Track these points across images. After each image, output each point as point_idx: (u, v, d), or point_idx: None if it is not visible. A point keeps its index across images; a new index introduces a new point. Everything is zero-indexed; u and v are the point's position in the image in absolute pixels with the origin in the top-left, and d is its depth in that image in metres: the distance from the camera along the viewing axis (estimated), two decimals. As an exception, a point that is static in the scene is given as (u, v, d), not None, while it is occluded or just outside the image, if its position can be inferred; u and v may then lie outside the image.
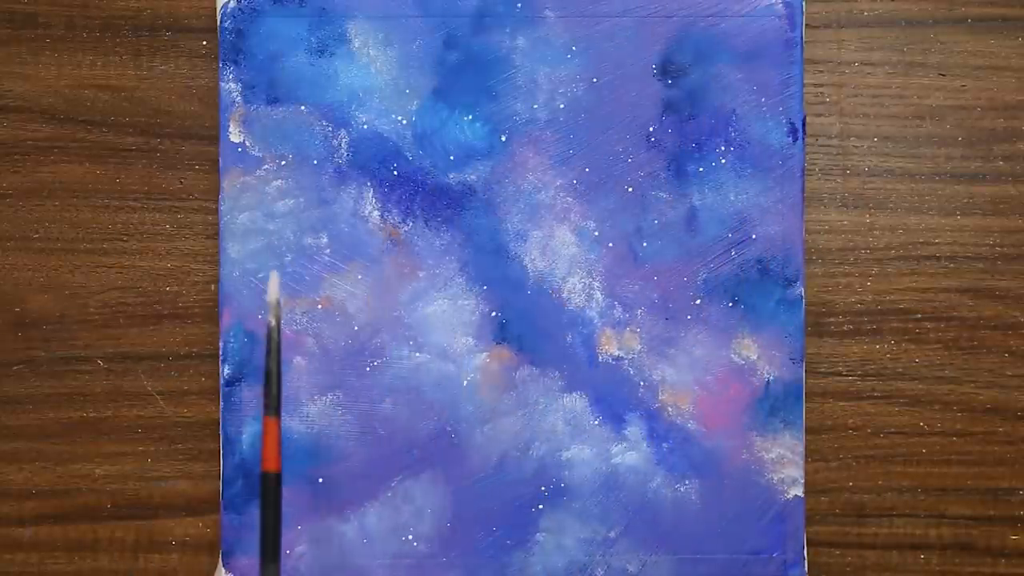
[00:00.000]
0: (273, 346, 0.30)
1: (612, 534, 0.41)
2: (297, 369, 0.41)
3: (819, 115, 0.43)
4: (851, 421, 0.43)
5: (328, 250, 0.42)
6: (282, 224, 0.42)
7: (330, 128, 0.42)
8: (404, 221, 0.42)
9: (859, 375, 0.43)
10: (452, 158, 0.42)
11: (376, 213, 0.42)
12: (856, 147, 0.43)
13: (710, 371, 0.41)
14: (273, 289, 0.30)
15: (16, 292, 0.43)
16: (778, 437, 0.41)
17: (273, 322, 0.30)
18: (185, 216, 0.43)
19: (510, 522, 0.41)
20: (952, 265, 0.43)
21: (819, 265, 0.43)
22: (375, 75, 0.42)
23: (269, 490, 0.30)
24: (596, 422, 0.41)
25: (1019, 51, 0.43)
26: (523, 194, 0.42)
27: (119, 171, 0.43)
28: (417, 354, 0.42)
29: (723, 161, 0.42)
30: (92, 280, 0.43)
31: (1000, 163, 0.43)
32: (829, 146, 0.43)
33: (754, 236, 0.41)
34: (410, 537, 0.41)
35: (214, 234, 0.43)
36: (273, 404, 0.30)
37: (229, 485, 0.41)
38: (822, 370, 0.43)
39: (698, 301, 0.41)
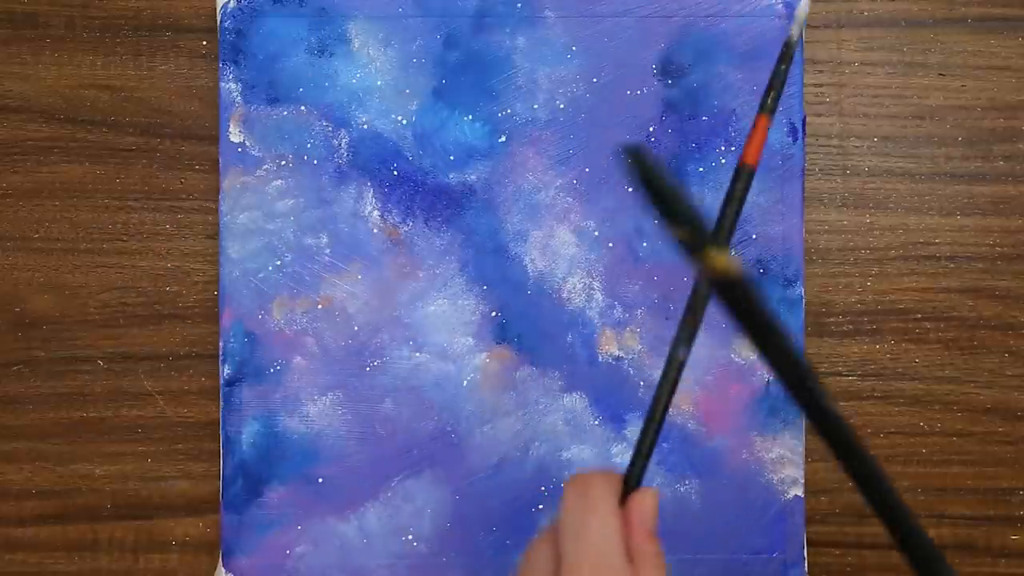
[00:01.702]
0: (789, 56, 0.32)
1: (612, 534, 0.41)
2: (297, 369, 0.41)
3: (819, 115, 0.43)
4: (851, 421, 0.43)
5: (328, 250, 0.42)
6: (282, 224, 0.42)
7: (330, 128, 0.42)
8: (404, 221, 0.42)
9: (859, 375, 0.43)
10: (452, 158, 0.42)
11: (376, 213, 0.42)
12: (856, 147, 0.43)
13: (710, 371, 0.41)
14: (804, 7, 0.33)
15: (16, 292, 0.43)
16: (778, 437, 0.41)
17: (795, 34, 0.32)
18: (185, 216, 0.43)
19: (510, 522, 0.41)
20: (952, 265, 0.43)
21: (819, 265, 0.43)
22: (375, 75, 0.42)
23: (743, 182, 0.31)
24: (596, 422, 0.41)
25: (1019, 51, 0.43)
26: (523, 194, 0.42)
27: (119, 171, 0.43)
28: (417, 354, 0.42)
29: (723, 161, 0.42)
30: (92, 280, 0.43)
31: (1000, 163, 0.43)
32: (829, 146, 0.43)
33: (754, 236, 0.41)
34: (410, 537, 0.41)
35: (214, 234, 0.43)
36: (770, 105, 0.31)
37: (229, 485, 0.41)
38: (822, 370, 0.43)
39: (698, 301, 0.41)
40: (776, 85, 0.31)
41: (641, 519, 0.30)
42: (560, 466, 0.41)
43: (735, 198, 0.31)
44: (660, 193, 0.25)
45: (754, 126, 0.31)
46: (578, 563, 0.28)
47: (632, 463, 0.31)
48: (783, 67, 0.32)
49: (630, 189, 0.42)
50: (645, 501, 0.30)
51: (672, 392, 0.31)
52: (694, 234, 0.26)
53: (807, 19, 0.42)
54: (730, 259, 0.26)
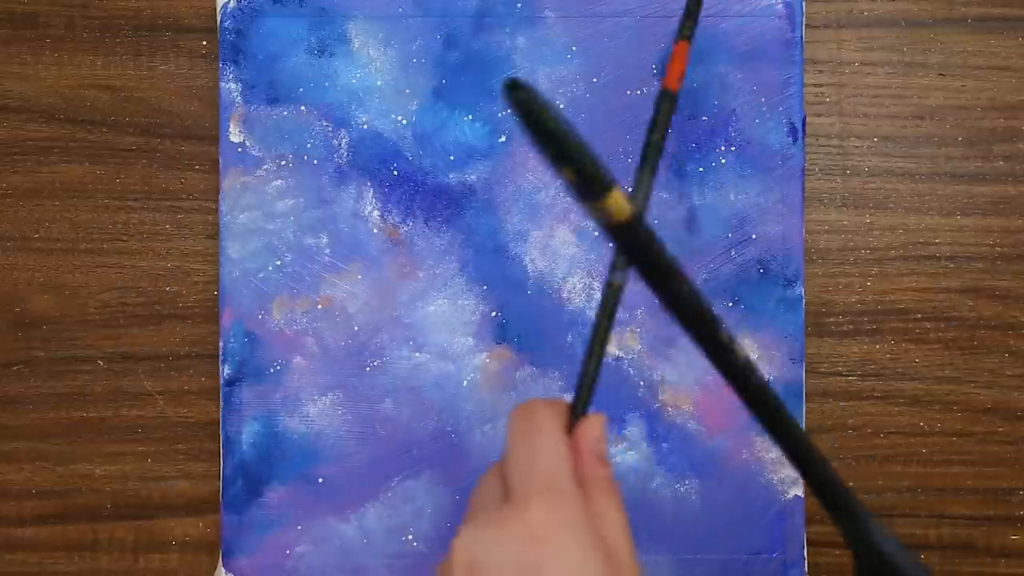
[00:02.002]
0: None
1: (612, 534, 0.41)
2: (297, 369, 0.41)
3: (819, 115, 0.43)
4: (851, 421, 0.43)
5: (328, 250, 0.42)
6: (282, 224, 0.42)
7: (330, 128, 0.42)
8: (404, 221, 0.42)
9: (859, 375, 0.43)
10: (452, 158, 0.42)
11: (376, 213, 0.42)
12: (856, 147, 0.43)
13: (710, 371, 0.41)
14: None
15: (16, 292, 0.43)
16: (778, 437, 0.41)
17: None
18: (185, 216, 0.43)
19: (510, 522, 0.41)
20: (952, 265, 0.43)
21: (819, 265, 0.43)
22: (375, 75, 0.42)
23: (665, 107, 0.31)
24: (596, 422, 0.41)
25: (1019, 51, 0.43)
26: (523, 194, 0.42)
27: (119, 171, 0.43)
28: (417, 354, 0.42)
29: (723, 161, 0.42)
30: (92, 280, 0.43)
31: (1000, 163, 0.43)
32: (829, 146, 0.43)
33: (754, 236, 0.41)
34: (410, 537, 0.41)
35: (214, 234, 0.43)
36: (687, 33, 0.32)
37: (229, 485, 0.41)
38: (822, 370, 0.43)
39: (698, 301, 0.41)
40: (693, 10, 0.32)
41: (589, 444, 0.29)
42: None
43: (658, 124, 0.31)
44: (549, 132, 0.24)
45: (672, 53, 0.31)
46: (525, 491, 0.27)
47: (577, 392, 0.30)
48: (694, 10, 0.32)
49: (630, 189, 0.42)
50: (592, 426, 0.29)
51: (610, 318, 0.30)
52: (586, 176, 0.25)
53: (807, 19, 0.43)
54: (625, 202, 0.26)
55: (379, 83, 0.42)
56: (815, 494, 0.31)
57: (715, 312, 0.28)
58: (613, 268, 0.30)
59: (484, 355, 0.42)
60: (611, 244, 0.29)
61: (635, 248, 0.26)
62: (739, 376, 0.29)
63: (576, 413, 0.30)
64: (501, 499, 0.28)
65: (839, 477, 0.31)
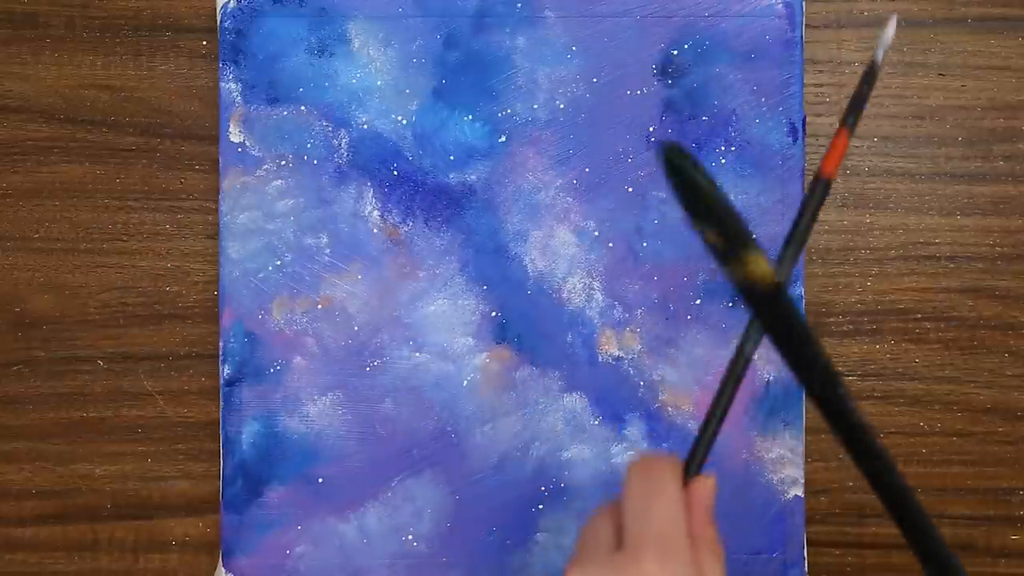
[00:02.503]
0: (875, 76, 0.30)
1: (612, 534, 0.41)
2: (297, 369, 0.41)
3: (819, 115, 0.43)
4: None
5: (328, 250, 0.42)
6: (282, 224, 0.42)
7: (330, 128, 0.42)
8: (404, 221, 0.42)
9: (859, 375, 0.43)
10: (452, 158, 0.42)
11: (376, 213, 0.42)
12: (856, 147, 0.43)
13: (710, 371, 0.41)
14: (891, 30, 0.31)
15: (16, 292, 0.43)
16: (778, 437, 0.41)
17: (879, 58, 0.30)
18: (185, 216, 0.43)
19: (510, 522, 0.41)
20: (952, 265, 0.43)
21: (819, 265, 0.43)
22: (375, 75, 0.42)
23: (819, 192, 0.30)
24: (596, 422, 0.41)
25: (1019, 51, 0.43)
26: (523, 194, 0.42)
27: (119, 171, 0.43)
28: (417, 354, 0.42)
29: (723, 161, 0.42)
30: (92, 280, 0.43)
31: (1000, 163, 0.43)
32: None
33: (754, 236, 0.41)
34: (410, 537, 0.41)
35: (214, 234, 0.43)
36: (852, 120, 0.30)
37: (229, 485, 0.41)
38: (822, 370, 0.43)
39: (698, 301, 0.41)
40: (857, 106, 0.31)
41: (702, 503, 0.30)
42: (560, 466, 0.41)
43: (809, 206, 0.30)
44: (697, 192, 0.25)
45: (835, 138, 0.30)
46: (643, 542, 0.28)
47: (694, 450, 0.31)
48: (866, 88, 0.31)
49: (630, 189, 0.42)
50: (706, 487, 0.30)
51: (736, 384, 0.31)
52: (730, 236, 0.25)
53: (807, 19, 0.42)
54: (768, 265, 0.26)
55: (379, 83, 0.42)
56: (922, 561, 0.31)
57: (843, 382, 0.28)
58: (747, 336, 0.30)
59: (484, 355, 0.42)
60: (747, 311, 0.29)
61: (773, 316, 0.26)
62: (860, 443, 0.29)
63: (691, 471, 0.31)
64: (613, 546, 0.29)
65: (943, 544, 0.31)
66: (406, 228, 0.42)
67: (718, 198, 0.25)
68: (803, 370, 0.28)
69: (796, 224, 0.30)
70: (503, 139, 0.42)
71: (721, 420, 0.31)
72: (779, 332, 0.27)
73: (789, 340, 0.27)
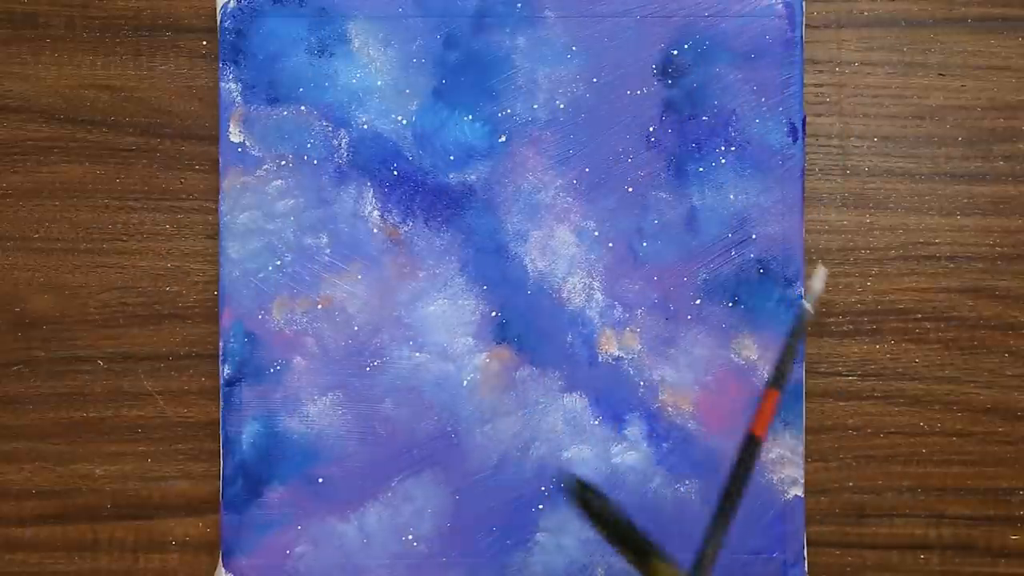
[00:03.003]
0: (802, 329, 0.30)
1: (612, 534, 0.41)
2: (297, 369, 0.41)
3: (819, 115, 0.43)
4: (851, 421, 0.43)
5: (328, 250, 0.42)
6: (282, 224, 0.42)
7: (330, 128, 0.42)
8: (404, 221, 0.42)
9: (859, 375, 0.43)
10: (452, 158, 0.42)
11: (376, 213, 0.42)
12: (856, 147, 0.43)
13: (710, 371, 0.41)
14: (819, 281, 0.31)
15: (16, 292, 0.43)
16: (778, 437, 0.41)
17: (810, 308, 0.30)
18: (185, 216, 0.43)
19: (510, 522, 0.41)
20: (952, 265, 0.43)
21: (819, 265, 0.43)
22: (375, 75, 0.42)
23: (749, 452, 0.30)
24: (596, 422, 0.41)
25: (1019, 51, 0.43)
26: (523, 194, 0.42)
27: (119, 171, 0.43)
28: (417, 354, 0.42)
29: (723, 161, 0.42)
30: (92, 280, 0.43)
31: (1000, 163, 0.43)
32: (829, 146, 0.43)
33: (754, 236, 0.41)
34: (410, 537, 0.41)
35: (214, 234, 0.43)
36: (781, 380, 0.30)
37: (229, 485, 0.41)
38: (822, 370, 0.43)
39: (698, 301, 0.41)
40: (787, 359, 0.30)
41: None
42: (560, 466, 0.41)
43: (740, 471, 0.30)
44: (603, 520, 0.28)
45: (762, 399, 0.30)
46: None
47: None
48: (793, 340, 0.30)
49: (630, 189, 0.42)
50: None
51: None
52: (638, 553, 0.28)
53: (807, 19, 0.43)
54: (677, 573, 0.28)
55: (379, 83, 0.42)
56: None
57: None
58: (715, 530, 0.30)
59: (484, 355, 0.42)
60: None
61: None
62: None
63: None
64: None
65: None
66: (406, 228, 0.42)
67: (620, 522, 0.28)
68: None
69: (724, 493, 0.30)
70: (503, 139, 0.42)
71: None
72: None
73: None
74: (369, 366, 0.41)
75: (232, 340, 0.41)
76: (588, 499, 0.28)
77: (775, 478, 0.41)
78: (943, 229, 0.43)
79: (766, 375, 0.41)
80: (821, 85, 0.43)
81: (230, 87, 0.42)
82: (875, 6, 0.43)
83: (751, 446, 0.30)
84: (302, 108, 0.42)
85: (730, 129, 0.42)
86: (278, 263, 0.42)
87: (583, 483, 0.28)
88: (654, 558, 0.28)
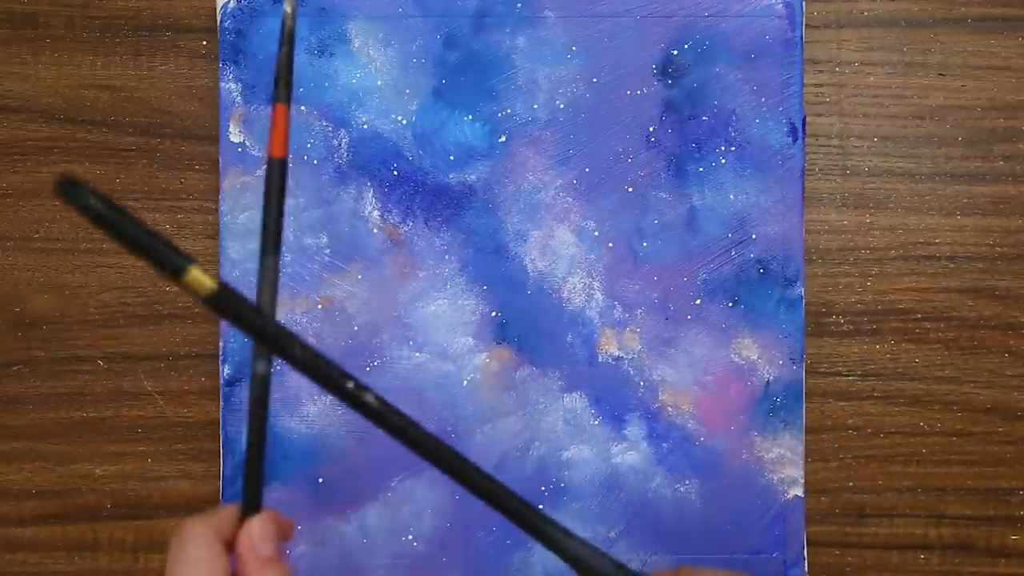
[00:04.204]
0: (287, 35, 0.30)
1: (612, 534, 0.41)
2: (297, 369, 0.41)
3: (819, 115, 0.43)
4: (851, 421, 0.43)
5: (328, 250, 0.42)
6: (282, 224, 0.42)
7: (330, 128, 0.42)
8: (404, 221, 0.42)
9: (859, 375, 0.43)
10: (452, 158, 0.42)
11: (376, 213, 0.42)
12: (856, 147, 0.43)
13: (710, 371, 0.41)
14: None
15: (16, 292, 0.43)
16: (778, 437, 0.41)
17: (289, 9, 0.30)
18: (185, 216, 0.43)
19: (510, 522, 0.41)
20: (952, 265, 0.43)
21: (819, 265, 0.43)
22: (375, 75, 0.42)
23: (274, 175, 0.30)
24: (596, 422, 0.41)
25: (1019, 51, 0.43)
26: (523, 194, 0.42)
27: (119, 171, 0.43)
28: (417, 354, 0.42)
29: (723, 161, 0.42)
30: (92, 280, 0.43)
31: (1000, 163, 0.43)
32: (829, 146, 0.43)
33: (754, 236, 0.41)
34: (410, 537, 0.41)
35: (214, 234, 0.43)
36: (284, 92, 0.30)
37: (229, 485, 0.41)
38: (822, 370, 0.43)
39: (698, 301, 0.41)
40: (282, 72, 0.30)
41: (248, 549, 0.29)
42: (560, 466, 0.41)
43: (272, 192, 0.30)
44: (119, 227, 0.24)
45: (274, 117, 0.30)
46: None
47: (244, 491, 0.30)
48: (284, 49, 0.30)
49: (630, 189, 0.42)
50: (251, 529, 0.29)
51: (262, 407, 0.30)
52: (163, 261, 0.25)
53: (807, 19, 0.43)
54: (206, 278, 0.26)
55: (379, 83, 0.42)
56: (511, 520, 0.30)
57: (337, 367, 0.28)
58: (255, 357, 0.30)
59: (484, 355, 0.42)
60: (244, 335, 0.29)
61: (234, 319, 0.27)
62: (376, 417, 0.29)
63: (247, 514, 0.30)
64: None
65: (514, 494, 0.30)
66: (406, 228, 0.42)
67: (128, 225, 0.25)
68: (295, 366, 0.28)
69: (265, 217, 0.30)
70: (503, 139, 0.42)
71: (261, 451, 0.30)
72: (250, 335, 0.27)
73: (264, 341, 0.27)
74: (369, 366, 0.41)
75: (232, 340, 0.41)
76: (82, 198, 0.23)
77: (775, 478, 0.41)
78: (943, 229, 0.43)
79: (766, 375, 0.41)
80: (821, 85, 0.43)
81: (230, 87, 0.42)
82: (875, 6, 0.43)
83: (274, 167, 0.30)
84: (302, 108, 0.42)
85: (730, 129, 0.42)
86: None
87: (72, 182, 0.23)
88: (180, 268, 0.25)
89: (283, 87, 0.30)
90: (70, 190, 0.23)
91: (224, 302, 0.26)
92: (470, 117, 0.42)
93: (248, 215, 0.42)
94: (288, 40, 0.30)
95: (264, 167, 0.30)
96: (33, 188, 0.43)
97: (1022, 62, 0.43)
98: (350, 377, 0.28)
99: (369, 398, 0.28)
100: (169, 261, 0.25)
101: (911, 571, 0.43)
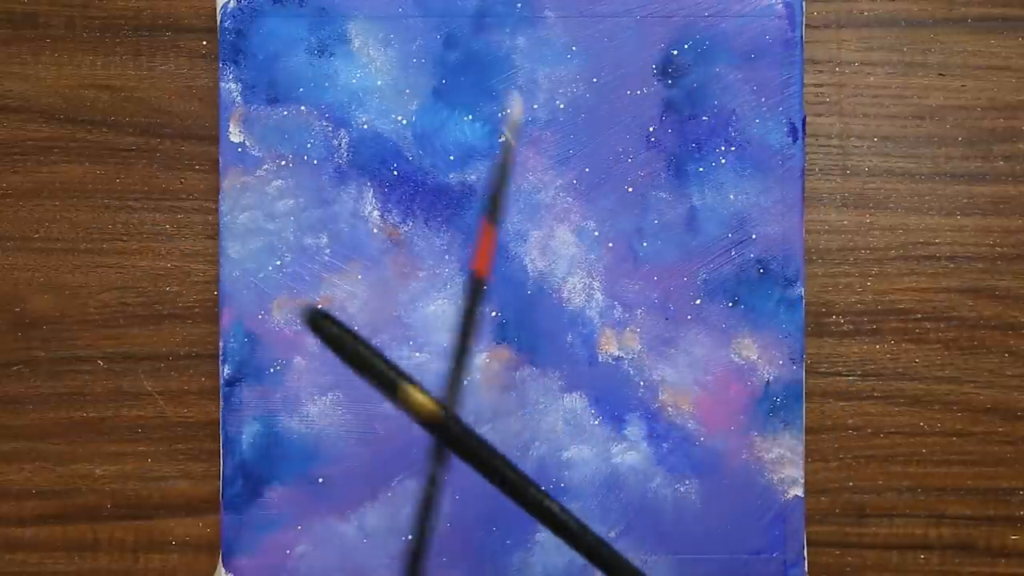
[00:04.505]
0: (508, 160, 0.31)
1: (612, 534, 0.41)
2: (297, 369, 0.41)
3: (819, 115, 0.43)
4: (851, 421, 0.43)
5: (328, 250, 0.42)
6: (282, 224, 0.42)
7: (330, 128, 0.42)
8: (404, 221, 0.42)
9: (859, 375, 0.43)
10: (452, 158, 0.42)
11: (376, 213, 0.42)
12: (856, 147, 0.43)
13: (710, 371, 0.41)
14: (517, 108, 0.31)
15: (16, 292, 0.43)
16: (778, 437, 0.41)
17: (511, 140, 0.30)
18: (185, 216, 0.43)
19: (510, 522, 0.41)
20: (952, 265, 0.43)
21: (819, 265, 0.43)
22: (375, 75, 0.42)
23: (474, 293, 0.31)
24: (596, 422, 0.41)
25: (1019, 51, 0.43)
26: (523, 194, 0.42)
27: (119, 171, 0.43)
28: (417, 354, 0.42)
29: (723, 161, 0.42)
30: (92, 280, 0.43)
31: (1000, 163, 0.43)
32: (829, 146, 0.43)
33: (754, 236, 0.41)
34: (410, 537, 0.41)
35: (214, 234, 0.43)
36: (494, 213, 0.30)
37: (229, 485, 0.41)
38: (822, 370, 0.43)
39: (698, 301, 0.41)
40: (496, 193, 0.31)
41: None
42: (560, 466, 0.41)
43: (471, 311, 0.31)
44: (342, 348, 0.28)
45: (480, 234, 0.30)
46: None
47: None
48: (501, 174, 0.31)
49: (630, 189, 0.42)
50: None
51: (433, 510, 0.31)
52: (382, 381, 0.27)
53: (807, 19, 0.43)
54: (428, 399, 0.28)
55: (379, 83, 0.42)
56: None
57: (537, 486, 0.29)
58: (434, 461, 0.31)
59: (484, 355, 0.42)
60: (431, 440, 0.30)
61: (449, 440, 0.28)
62: (569, 536, 0.30)
63: None
64: None
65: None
66: (406, 228, 0.42)
67: (361, 349, 0.27)
68: (498, 481, 0.29)
69: (459, 344, 0.31)
70: (503, 139, 0.42)
71: (425, 549, 0.31)
72: (461, 452, 0.29)
73: (475, 460, 0.29)
74: (369, 366, 0.41)
75: (232, 340, 0.41)
76: (323, 327, 0.27)
77: (775, 478, 0.41)
78: (943, 229, 0.43)
79: (766, 375, 0.41)
80: (821, 85, 0.43)
81: (230, 87, 0.42)
82: (875, 6, 0.43)
83: (475, 285, 0.31)
84: (302, 108, 0.42)
85: (730, 129, 0.42)
86: (278, 263, 0.42)
87: (321, 312, 0.27)
88: (403, 382, 0.28)
89: (494, 207, 0.30)
90: (319, 322, 0.28)
91: (444, 426, 0.28)
92: (470, 117, 0.42)
93: (248, 215, 0.42)
94: (504, 167, 0.30)
95: (465, 283, 0.31)
96: (33, 188, 0.43)
97: (1022, 62, 0.43)
98: (550, 497, 0.29)
99: (555, 508, 0.29)
100: (388, 379, 0.28)
101: (911, 571, 0.43)
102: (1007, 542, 0.43)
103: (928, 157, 0.43)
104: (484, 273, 0.30)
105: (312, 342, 0.41)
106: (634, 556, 0.41)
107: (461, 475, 0.41)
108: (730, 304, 0.41)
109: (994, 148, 0.43)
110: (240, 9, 0.42)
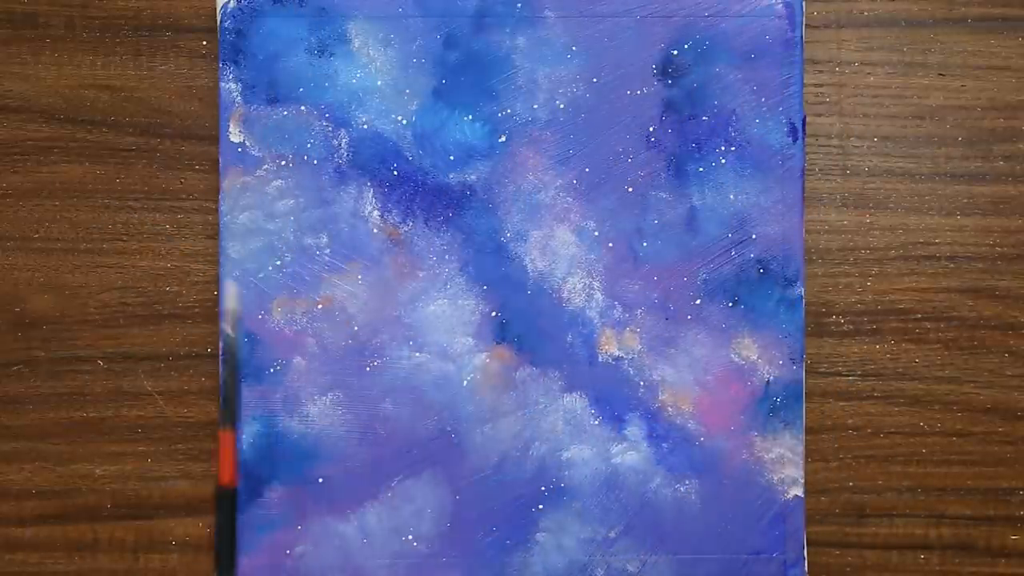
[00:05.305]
0: (231, 358, 0.31)
1: (612, 534, 0.41)
2: (297, 369, 0.41)
3: (819, 115, 0.43)
4: (851, 421, 0.43)
5: (328, 250, 0.42)
6: (282, 224, 0.42)
7: (330, 128, 0.42)
8: (404, 221, 0.42)
9: (859, 375, 0.43)
10: (452, 158, 0.42)
11: (376, 213, 0.42)
12: (856, 147, 0.43)
13: (710, 371, 0.41)
14: (231, 297, 0.31)
15: (16, 292, 0.43)
16: (778, 437, 0.41)
17: (231, 332, 0.30)
18: (185, 216, 0.43)
19: (510, 522, 0.41)
20: (952, 265, 0.43)
21: (819, 265, 0.43)
22: (375, 75, 0.42)
23: (228, 505, 0.31)
24: (596, 422, 0.41)
25: (1019, 51, 0.43)
26: (523, 194, 0.42)
27: (119, 171, 0.43)
28: (417, 354, 0.42)
29: (723, 161, 0.42)
30: (92, 280, 0.43)
31: (1000, 163, 0.43)
32: (829, 146, 0.43)
33: (754, 236, 0.41)
34: (410, 537, 0.41)
35: (214, 234, 0.43)
36: (232, 418, 0.30)
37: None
38: (822, 370, 0.43)
39: (698, 301, 0.41)
40: (231, 395, 0.30)
41: None
42: (560, 466, 0.41)
43: (225, 528, 0.30)
44: None
45: (220, 444, 0.30)
46: None
47: None
48: (229, 377, 0.30)
49: (630, 189, 0.42)
50: None
51: None
52: None
53: (807, 19, 0.43)
54: None
55: (379, 83, 0.42)
56: None
57: None
58: None
59: (484, 355, 0.42)
60: None
61: None
62: None
63: None
64: None
65: None
66: (406, 228, 0.42)
67: None
68: None
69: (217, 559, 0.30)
70: (503, 139, 0.42)
71: None
72: None
73: None
74: (369, 366, 0.41)
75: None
76: None
77: (775, 478, 0.41)
78: (943, 229, 0.43)
79: (766, 375, 0.41)
80: (821, 85, 0.43)
81: (230, 87, 0.42)
82: (875, 6, 0.43)
83: (226, 498, 0.30)
84: (302, 108, 0.42)
85: (730, 129, 0.42)
86: (278, 263, 0.42)
87: None
88: None
89: (229, 412, 0.30)
90: None
91: None
92: (470, 117, 0.42)
93: (248, 215, 0.42)
94: (232, 363, 0.30)
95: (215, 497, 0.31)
96: (33, 188, 0.43)
97: (1022, 62, 0.43)
98: None
99: None
100: None
101: (911, 571, 0.43)
102: (1007, 542, 0.43)
103: (928, 157, 0.43)
104: (231, 482, 0.30)
105: (312, 342, 0.41)
106: (634, 556, 0.41)
107: (460, 475, 0.41)
108: (730, 304, 0.41)
109: (994, 148, 0.43)
110: (240, 9, 0.42)
